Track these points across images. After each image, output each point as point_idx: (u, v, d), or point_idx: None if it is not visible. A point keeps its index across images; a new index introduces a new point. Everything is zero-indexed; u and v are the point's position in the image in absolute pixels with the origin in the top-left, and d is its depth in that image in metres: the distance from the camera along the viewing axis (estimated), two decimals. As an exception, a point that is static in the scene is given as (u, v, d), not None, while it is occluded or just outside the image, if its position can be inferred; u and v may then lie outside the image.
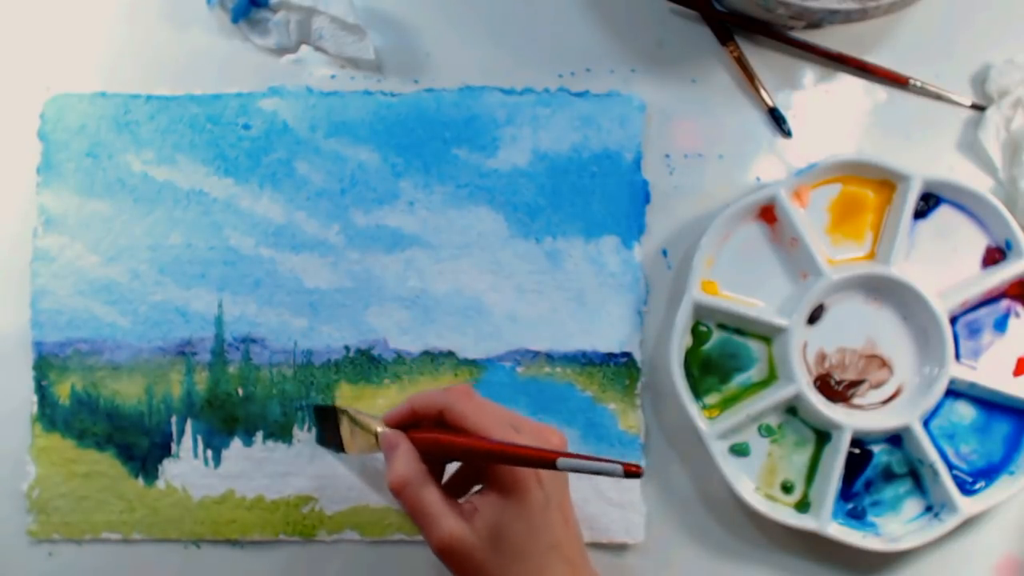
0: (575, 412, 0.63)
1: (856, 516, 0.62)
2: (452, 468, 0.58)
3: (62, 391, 0.63)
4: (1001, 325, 0.63)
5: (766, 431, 0.62)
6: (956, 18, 0.65)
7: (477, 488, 0.56)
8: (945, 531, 0.60)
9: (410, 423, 0.56)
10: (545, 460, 0.50)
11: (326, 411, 0.60)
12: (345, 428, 0.58)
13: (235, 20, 0.64)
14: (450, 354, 0.63)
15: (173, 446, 0.63)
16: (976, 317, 0.63)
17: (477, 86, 0.65)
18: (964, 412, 0.62)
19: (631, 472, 0.48)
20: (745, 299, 0.63)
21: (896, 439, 0.62)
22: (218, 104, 0.64)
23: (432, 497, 0.53)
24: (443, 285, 0.64)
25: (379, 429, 0.56)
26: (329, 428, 0.60)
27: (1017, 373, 0.62)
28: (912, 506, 0.62)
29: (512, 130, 0.64)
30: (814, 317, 0.62)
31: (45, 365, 0.63)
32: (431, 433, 0.55)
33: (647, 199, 0.64)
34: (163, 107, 0.64)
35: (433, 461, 0.55)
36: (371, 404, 0.63)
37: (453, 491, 0.56)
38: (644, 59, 0.65)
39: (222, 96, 0.65)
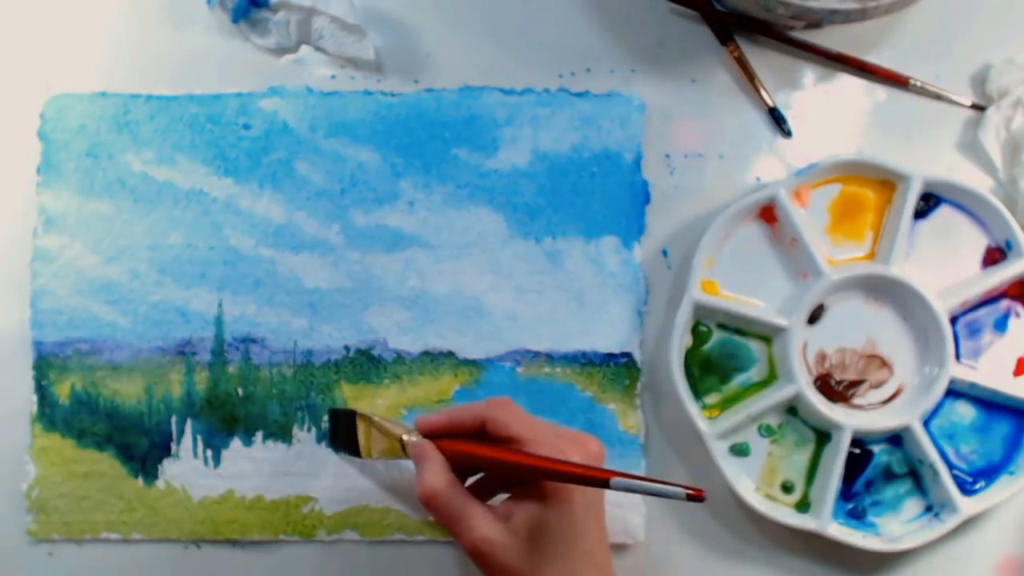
0: (575, 412, 0.63)
1: (856, 516, 0.62)
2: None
3: (62, 391, 0.63)
4: (1001, 325, 0.63)
5: (766, 431, 0.62)
6: (956, 18, 0.65)
7: (504, 496, 0.56)
8: (945, 531, 0.60)
9: (445, 434, 0.56)
10: (599, 480, 0.50)
11: (343, 415, 0.60)
12: (362, 433, 0.58)
13: (235, 20, 0.64)
14: (450, 354, 0.63)
15: (173, 446, 0.63)
16: (976, 317, 0.63)
17: (477, 86, 0.65)
18: (964, 412, 0.62)
19: (693, 497, 0.47)
20: (745, 299, 0.63)
21: (896, 439, 0.62)
22: (218, 104, 0.64)
23: (464, 503, 0.53)
24: (443, 285, 0.64)
25: (406, 437, 0.56)
26: (343, 432, 0.60)
27: (1017, 373, 0.62)
28: (912, 506, 0.62)
29: (512, 130, 0.64)
30: (814, 317, 0.62)
31: (45, 365, 0.63)
32: (477, 445, 0.54)
33: (647, 199, 0.64)
34: (163, 107, 0.64)
35: (461, 469, 0.55)
36: (371, 404, 0.63)
37: (476, 496, 0.55)
38: (644, 59, 0.65)
39: (222, 96, 0.65)
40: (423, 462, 0.55)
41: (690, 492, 0.47)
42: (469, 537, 0.53)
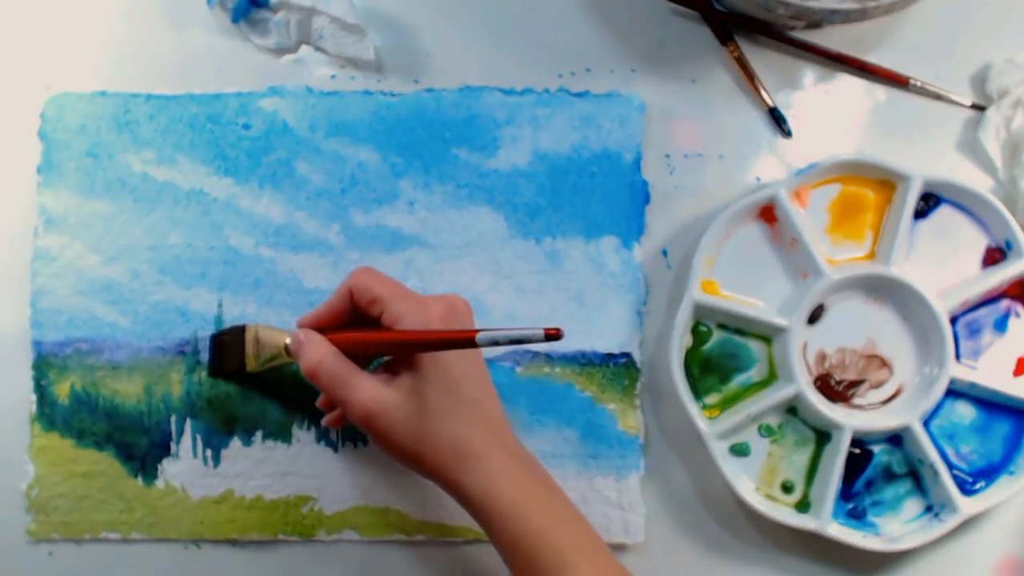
0: (575, 412, 0.63)
1: (856, 516, 0.62)
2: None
3: (61, 390, 0.63)
4: (1001, 325, 0.63)
5: (766, 431, 0.62)
6: (956, 18, 0.65)
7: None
8: (945, 531, 0.60)
9: (327, 326, 0.57)
10: (466, 340, 0.52)
11: (232, 332, 0.61)
12: (250, 343, 0.59)
13: (235, 20, 0.64)
14: (450, 354, 0.63)
15: (172, 446, 0.63)
16: (976, 317, 0.63)
17: (477, 86, 0.65)
18: (964, 412, 0.62)
19: (551, 335, 0.49)
20: (745, 299, 0.63)
21: (896, 439, 0.62)
22: (218, 104, 0.64)
23: (350, 370, 0.55)
24: (443, 285, 0.64)
25: (289, 340, 0.58)
26: (228, 351, 0.60)
27: (1017, 373, 0.62)
28: (912, 506, 0.62)
29: (512, 130, 0.64)
30: (814, 317, 0.62)
31: (45, 364, 0.63)
32: (346, 332, 0.56)
33: (647, 199, 0.64)
34: (163, 107, 0.64)
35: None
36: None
37: None
38: (644, 59, 0.65)
39: (222, 96, 0.65)
40: (303, 346, 0.56)
41: (548, 331, 0.49)
42: (358, 399, 0.54)
